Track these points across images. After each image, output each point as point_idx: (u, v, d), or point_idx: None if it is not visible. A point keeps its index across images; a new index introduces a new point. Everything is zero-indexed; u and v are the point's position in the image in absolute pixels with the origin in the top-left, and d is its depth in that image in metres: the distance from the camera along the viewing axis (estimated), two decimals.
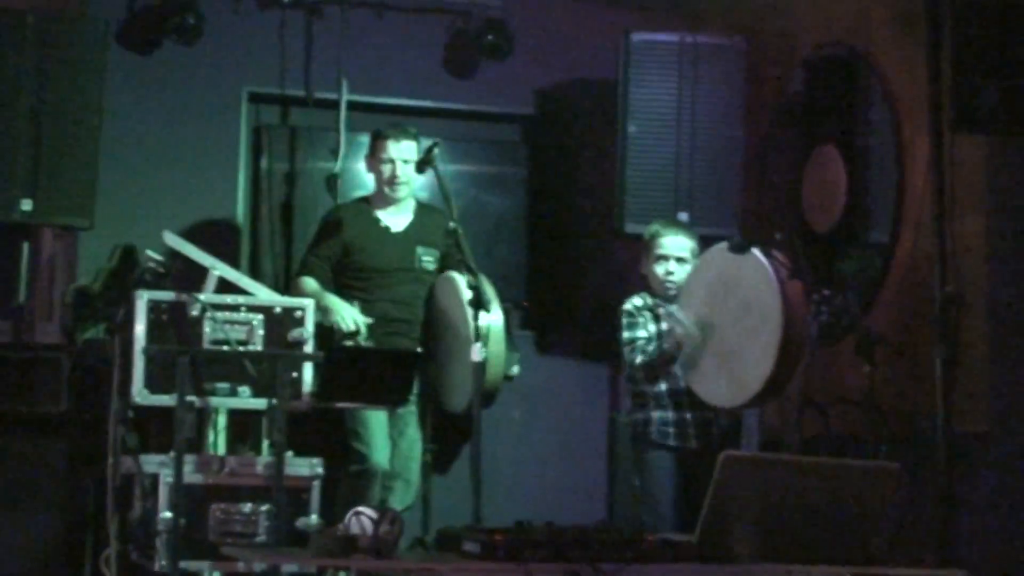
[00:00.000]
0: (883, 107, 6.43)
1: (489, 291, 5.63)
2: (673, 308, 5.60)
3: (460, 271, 5.77)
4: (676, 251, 5.81)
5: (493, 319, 5.74)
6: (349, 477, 6.12)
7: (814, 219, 6.80)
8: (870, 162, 6.55)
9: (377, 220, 6.37)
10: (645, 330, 5.75)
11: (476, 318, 5.38)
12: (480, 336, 5.34)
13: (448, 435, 6.99)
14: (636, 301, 5.87)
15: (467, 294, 5.53)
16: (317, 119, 7.22)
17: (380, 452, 6.16)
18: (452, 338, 6.09)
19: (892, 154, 6.35)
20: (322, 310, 6.06)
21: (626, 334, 5.77)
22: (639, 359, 5.70)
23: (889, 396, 5.92)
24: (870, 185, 6.53)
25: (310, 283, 6.26)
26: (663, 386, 5.70)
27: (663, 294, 5.87)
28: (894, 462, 4.42)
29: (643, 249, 5.88)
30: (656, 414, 5.68)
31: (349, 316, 6.13)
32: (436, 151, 5.75)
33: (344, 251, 6.31)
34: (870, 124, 6.55)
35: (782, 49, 7.18)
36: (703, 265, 5.64)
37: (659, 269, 5.81)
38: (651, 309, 5.81)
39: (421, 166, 6.01)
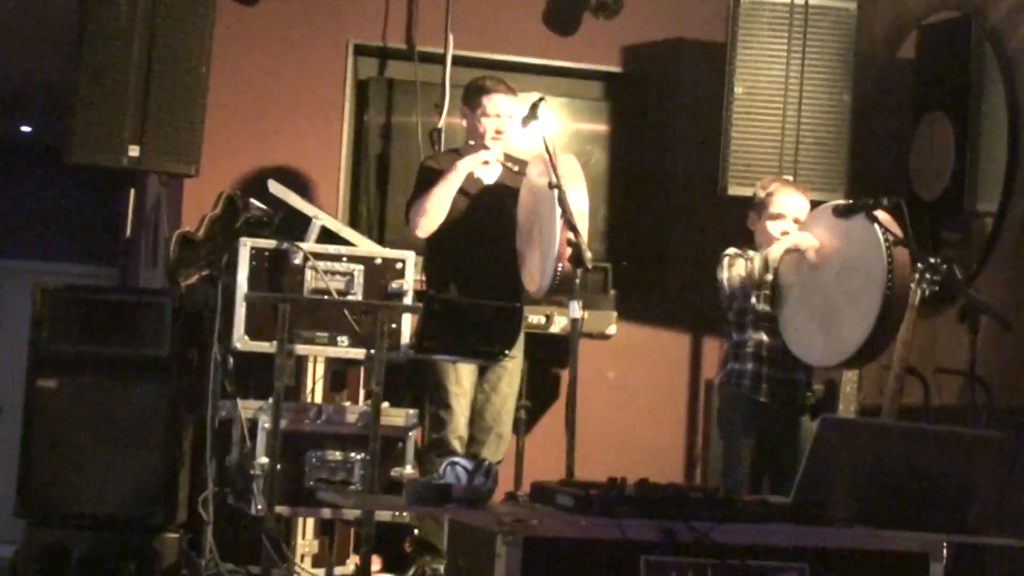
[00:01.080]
0: (996, 73, 6.32)
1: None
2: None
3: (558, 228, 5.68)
4: (794, 210, 5.70)
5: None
6: (433, 430, 6.12)
7: (920, 186, 6.71)
8: (980, 129, 6.44)
9: (469, 172, 6.32)
10: (746, 264, 5.64)
11: (575, 273, 5.33)
12: (576, 291, 5.29)
13: (542, 391, 7.01)
14: (736, 249, 5.78)
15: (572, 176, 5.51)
16: (421, 73, 7.23)
17: (460, 420, 6.10)
18: (542, 218, 5.86)
19: (1004, 120, 6.24)
20: (454, 178, 6.07)
21: (723, 273, 5.67)
22: (742, 270, 5.61)
23: (992, 367, 5.84)
24: (980, 153, 6.43)
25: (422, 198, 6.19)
26: (763, 337, 5.63)
27: None
28: (996, 432, 4.37)
29: (754, 206, 5.78)
30: (750, 366, 5.62)
31: (479, 156, 6.13)
32: (542, 106, 5.72)
33: None
34: (982, 90, 6.44)
35: (893, 11, 7.07)
36: (808, 226, 5.56)
37: (774, 227, 5.70)
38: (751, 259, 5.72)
39: (526, 120, 5.96)
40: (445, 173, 6.09)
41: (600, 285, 6.95)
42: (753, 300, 5.63)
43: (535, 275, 5.84)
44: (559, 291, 5.53)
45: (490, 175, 6.29)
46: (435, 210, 6.06)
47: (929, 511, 4.13)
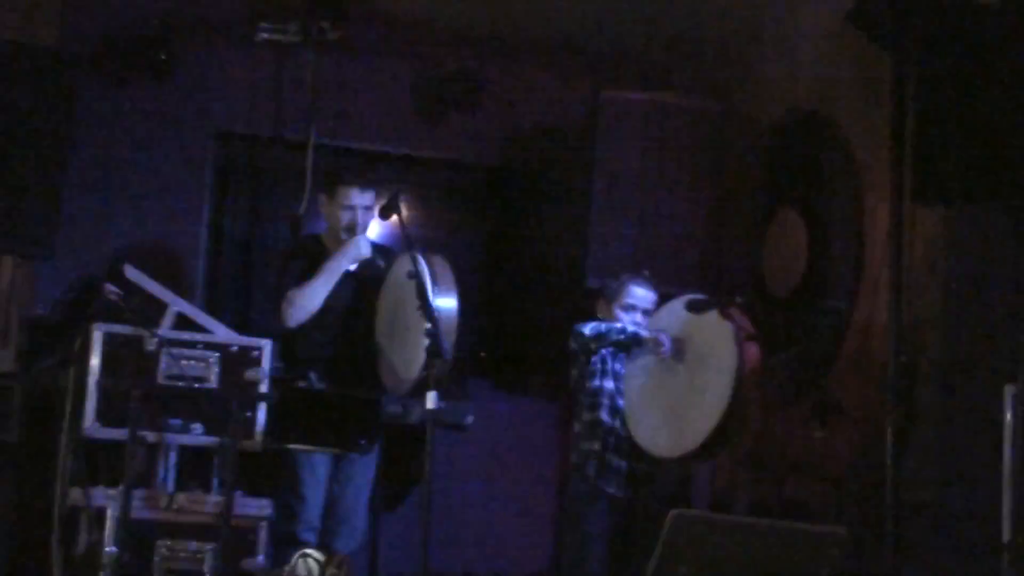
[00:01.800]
0: (846, 174, 6.47)
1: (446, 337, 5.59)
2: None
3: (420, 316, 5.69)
4: (644, 303, 5.92)
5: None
6: (286, 520, 6.05)
7: (773, 283, 6.83)
8: (832, 228, 6.57)
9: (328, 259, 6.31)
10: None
11: (431, 365, 5.34)
12: (435, 384, 5.30)
13: (398, 478, 6.98)
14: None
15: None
16: (283, 159, 7.22)
17: (313, 511, 6.06)
18: (404, 318, 5.89)
19: (853, 221, 6.38)
20: (331, 274, 6.08)
21: (576, 332, 5.83)
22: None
23: (842, 462, 5.94)
24: (831, 251, 6.56)
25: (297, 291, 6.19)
26: (610, 423, 5.71)
27: None
28: (842, 527, 4.45)
29: (607, 297, 5.94)
30: (598, 447, 5.70)
31: (359, 246, 6.14)
32: (400, 198, 5.75)
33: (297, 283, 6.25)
34: (833, 190, 6.58)
35: (748, 112, 7.23)
36: (660, 320, 5.68)
37: (625, 317, 5.87)
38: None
39: (385, 212, 5.99)
40: (322, 266, 6.10)
41: (457, 375, 6.95)
42: (607, 382, 5.73)
43: (396, 372, 5.85)
44: (418, 390, 5.52)
45: (354, 264, 6.30)
46: (309, 303, 6.08)
47: None
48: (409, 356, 5.64)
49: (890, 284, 5.52)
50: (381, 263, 6.26)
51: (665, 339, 5.57)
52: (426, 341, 5.28)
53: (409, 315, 5.59)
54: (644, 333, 5.68)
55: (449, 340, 5.46)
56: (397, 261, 6.07)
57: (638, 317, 5.86)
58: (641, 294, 5.92)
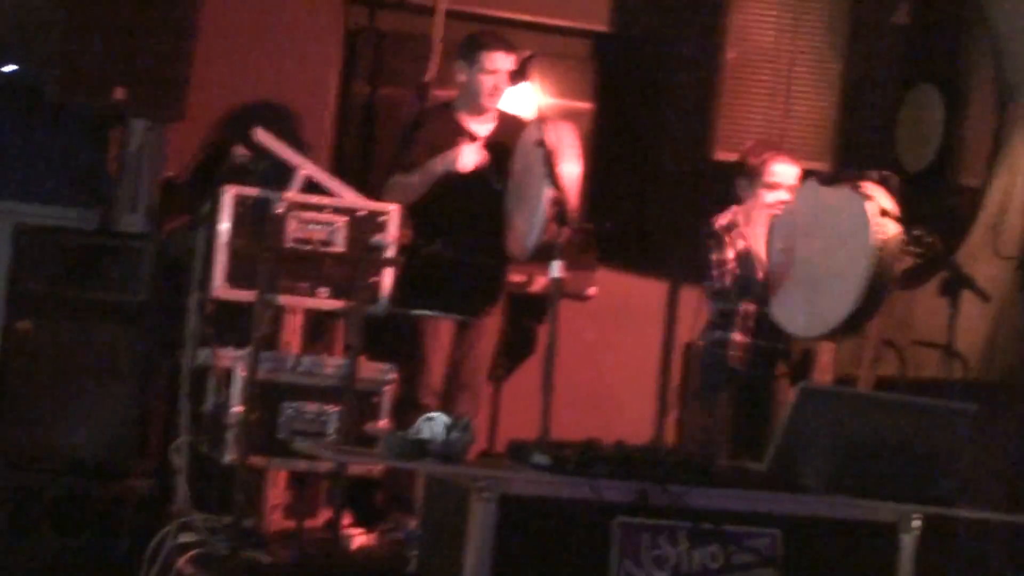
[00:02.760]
0: (986, 48, 6.31)
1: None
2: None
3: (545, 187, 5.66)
4: (788, 179, 5.76)
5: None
6: (408, 384, 6.11)
7: (907, 158, 6.71)
8: (969, 103, 6.43)
9: (462, 125, 6.29)
10: (734, 248, 5.70)
11: (555, 233, 5.32)
12: (559, 252, 5.28)
13: (520, 350, 7.01)
14: (724, 220, 5.80)
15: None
16: (411, 25, 7.18)
17: (436, 376, 6.10)
18: (530, 184, 5.83)
19: (992, 96, 6.23)
20: (428, 176, 6.07)
21: (714, 255, 5.72)
22: (728, 280, 5.66)
23: (970, 341, 5.85)
24: (967, 127, 6.43)
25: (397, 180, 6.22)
26: (751, 307, 5.65)
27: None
28: (971, 404, 4.39)
29: (745, 173, 5.81)
30: (734, 335, 5.65)
31: (464, 157, 6.07)
32: (531, 64, 5.70)
33: (430, 153, 6.24)
34: (973, 64, 6.43)
35: None
36: (798, 196, 5.57)
37: (769, 197, 5.74)
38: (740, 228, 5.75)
39: (516, 78, 5.93)
40: (426, 167, 6.08)
41: (582, 245, 6.93)
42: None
43: (520, 239, 5.83)
44: (541, 257, 5.51)
45: (485, 130, 6.26)
46: (403, 198, 6.05)
47: (903, 482, 4.15)
48: (533, 222, 5.61)
49: None
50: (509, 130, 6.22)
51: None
52: (549, 208, 5.27)
53: (535, 182, 5.56)
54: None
55: (572, 206, 5.42)
56: (527, 128, 6.01)
57: (783, 195, 5.69)
58: (784, 170, 5.74)
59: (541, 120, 5.56)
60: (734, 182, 5.84)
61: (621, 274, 7.43)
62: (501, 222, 6.04)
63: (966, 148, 6.42)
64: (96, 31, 6.11)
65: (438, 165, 6.09)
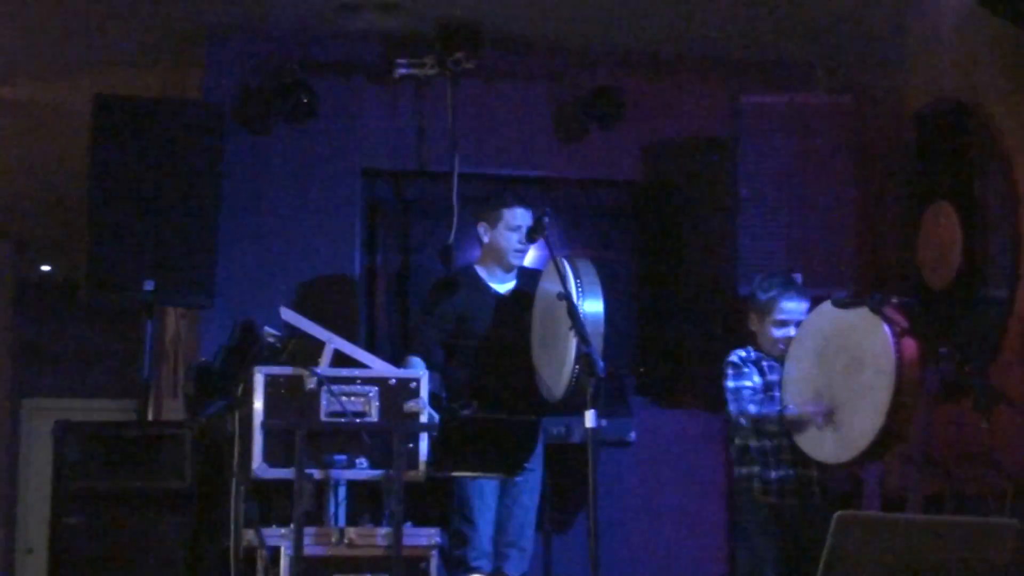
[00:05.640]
0: (997, 161, 6.36)
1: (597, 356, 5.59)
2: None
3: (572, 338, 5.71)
4: (796, 315, 5.76)
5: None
6: (457, 547, 6.11)
7: (930, 276, 6.73)
8: (986, 216, 6.47)
9: (487, 285, 6.39)
10: (751, 380, 5.72)
11: (592, 383, 5.34)
12: (592, 401, 5.31)
13: (567, 501, 6.99)
14: (741, 353, 5.83)
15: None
16: (429, 191, 7.31)
17: (483, 535, 6.13)
18: (555, 328, 5.89)
19: (1007, 208, 6.27)
20: None
21: (731, 383, 5.73)
22: (749, 408, 5.67)
23: (1012, 453, 5.82)
24: (986, 240, 6.45)
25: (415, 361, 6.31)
26: (768, 442, 5.66)
27: (775, 354, 5.81)
28: (1015, 519, 4.36)
29: (756, 309, 5.84)
30: (757, 469, 5.64)
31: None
32: (546, 220, 5.78)
33: (458, 318, 6.34)
34: (984, 178, 6.47)
35: (891, 105, 7.14)
36: (812, 323, 5.60)
37: (778, 333, 5.75)
38: (756, 362, 5.77)
39: (532, 235, 6.02)
40: None
41: (618, 392, 6.95)
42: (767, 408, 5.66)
43: (550, 385, 5.88)
44: (575, 401, 5.54)
45: (506, 288, 6.35)
46: None
47: None
48: (561, 368, 5.66)
49: None
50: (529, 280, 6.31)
51: (813, 411, 5.47)
52: (576, 354, 5.32)
53: (560, 328, 5.61)
54: (792, 411, 5.56)
55: (598, 344, 5.46)
56: (544, 273, 6.09)
57: (791, 331, 5.71)
58: (792, 307, 5.76)
59: (556, 258, 5.64)
60: (748, 317, 5.89)
61: (663, 415, 7.44)
62: (531, 376, 6.08)
63: (987, 260, 6.43)
64: (121, 227, 6.27)
65: None
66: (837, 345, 5.37)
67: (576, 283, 5.70)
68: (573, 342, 5.44)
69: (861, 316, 5.25)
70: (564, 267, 5.68)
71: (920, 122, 6.89)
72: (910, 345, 5.09)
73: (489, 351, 6.26)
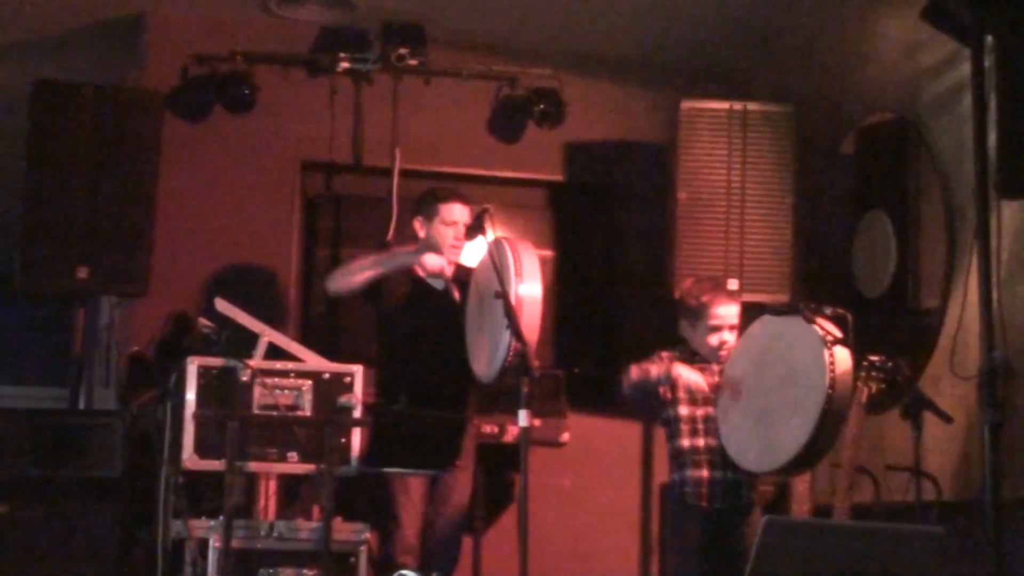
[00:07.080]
0: (932, 173, 6.42)
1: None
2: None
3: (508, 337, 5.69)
4: (729, 320, 5.78)
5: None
6: (384, 543, 6.11)
7: (864, 285, 6.78)
8: (920, 228, 6.53)
9: (419, 280, 6.36)
10: (655, 368, 5.73)
11: (526, 384, 5.34)
12: (528, 404, 5.31)
13: (497, 501, 7.01)
14: (666, 352, 5.84)
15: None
16: (367, 186, 7.29)
17: (409, 532, 6.11)
18: (489, 306, 5.82)
19: (941, 220, 6.33)
20: (387, 262, 6.20)
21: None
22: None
23: (939, 462, 5.88)
24: (920, 251, 6.51)
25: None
26: (700, 442, 5.68)
27: (713, 360, 5.82)
28: (943, 527, 4.40)
29: (686, 314, 5.84)
30: (689, 473, 5.67)
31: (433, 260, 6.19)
32: (486, 217, 5.77)
33: (392, 312, 6.31)
34: (920, 190, 6.53)
35: (831, 117, 7.19)
36: (750, 333, 5.64)
37: (713, 339, 5.76)
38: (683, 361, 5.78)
39: (472, 232, 6.01)
40: (387, 253, 6.26)
41: (552, 392, 6.96)
42: (682, 408, 5.69)
43: (483, 364, 5.86)
44: (508, 377, 5.54)
45: (439, 283, 6.34)
46: (352, 277, 6.19)
47: None
48: (494, 357, 5.66)
49: (979, 282, 5.45)
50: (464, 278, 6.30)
51: (729, 378, 5.53)
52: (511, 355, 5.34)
53: (497, 318, 5.58)
54: (688, 377, 5.60)
55: (534, 325, 5.49)
56: (479, 266, 6.07)
57: (725, 335, 5.73)
58: (724, 311, 5.77)
59: (493, 243, 5.66)
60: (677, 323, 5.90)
61: (594, 418, 7.46)
62: (464, 377, 6.08)
63: (921, 271, 6.50)
64: (55, 216, 6.20)
65: (403, 258, 6.21)
66: (776, 355, 5.41)
67: (513, 265, 5.66)
68: (506, 340, 5.44)
69: (796, 326, 5.29)
70: (504, 248, 5.67)
71: (859, 132, 6.95)
72: (843, 357, 5.13)
73: (421, 346, 6.24)
